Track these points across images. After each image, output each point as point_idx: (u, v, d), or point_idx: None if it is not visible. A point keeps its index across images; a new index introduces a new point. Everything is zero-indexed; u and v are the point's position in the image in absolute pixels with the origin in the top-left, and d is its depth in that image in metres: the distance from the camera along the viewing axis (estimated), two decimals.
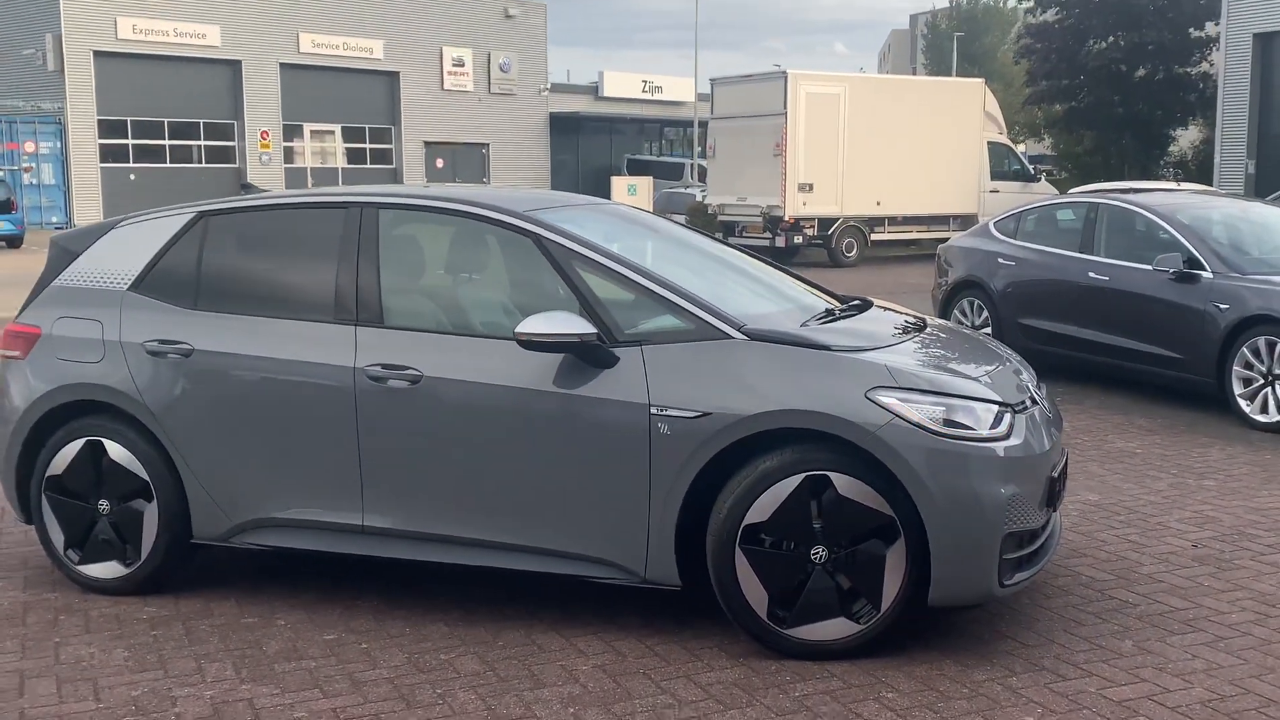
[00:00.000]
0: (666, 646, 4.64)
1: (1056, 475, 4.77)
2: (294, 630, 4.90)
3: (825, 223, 24.01)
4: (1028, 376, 5.17)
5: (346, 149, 43.45)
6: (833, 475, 4.37)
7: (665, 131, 52.83)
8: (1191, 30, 33.84)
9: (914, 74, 64.37)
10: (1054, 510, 4.84)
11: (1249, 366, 8.56)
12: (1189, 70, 34.34)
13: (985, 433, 4.42)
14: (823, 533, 4.41)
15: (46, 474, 5.34)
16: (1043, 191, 25.99)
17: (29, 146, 36.29)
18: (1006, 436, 4.46)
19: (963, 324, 10.43)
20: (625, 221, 5.71)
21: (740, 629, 4.55)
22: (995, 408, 4.52)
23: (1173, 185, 17.43)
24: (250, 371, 5.08)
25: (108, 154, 37.57)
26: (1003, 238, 11.09)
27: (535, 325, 4.56)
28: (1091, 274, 9.88)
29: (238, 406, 5.09)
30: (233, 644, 4.76)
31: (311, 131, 42.58)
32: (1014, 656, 4.52)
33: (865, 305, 5.49)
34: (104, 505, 5.29)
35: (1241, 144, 27.79)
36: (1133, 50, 33.55)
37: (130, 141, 38.32)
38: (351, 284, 5.03)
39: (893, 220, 25.03)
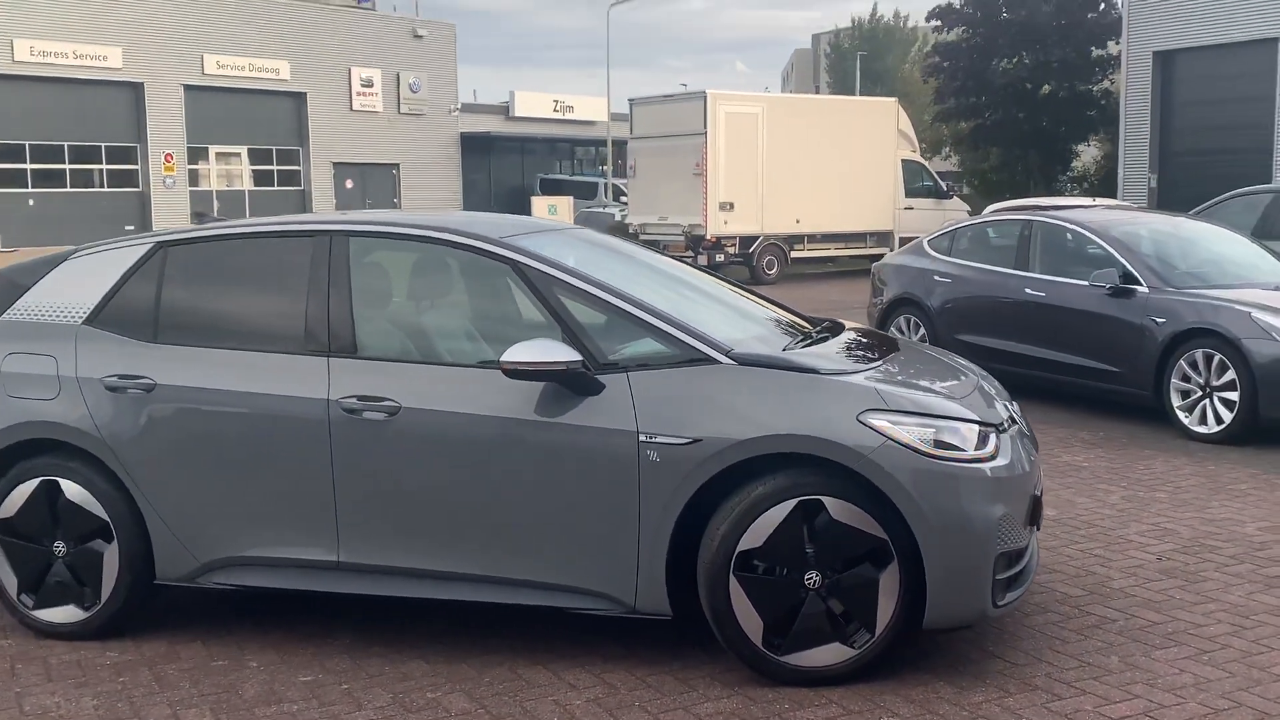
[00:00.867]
0: (657, 677, 4.56)
1: (1039, 494, 4.80)
2: (268, 672, 4.74)
3: (746, 241, 24.16)
4: (1004, 396, 5.21)
5: (253, 171, 42.67)
6: (825, 499, 4.34)
7: (576, 151, 52.81)
8: (1093, 49, 34.71)
9: (817, 93, 65.07)
10: (1036, 529, 4.87)
11: (1186, 379, 8.74)
12: (1091, 87, 35.22)
13: (973, 453, 4.43)
14: (816, 557, 4.37)
15: None
16: (955, 208, 26.51)
17: None
18: (994, 457, 4.47)
19: None
20: (594, 247, 5.64)
21: (735, 657, 4.50)
22: (979, 428, 4.54)
23: (1088, 201, 17.79)
24: (217, 405, 4.91)
25: (4, 179, 36.46)
26: (937, 255, 11.22)
27: (521, 354, 4.47)
28: (1028, 290, 10.03)
29: (205, 442, 4.92)
30: (206, 689, 4.59)
31: (217, 154, 41.74)
32: (1006, 676, 4.52)
33: (838, 328, 5.49)
34: (59, 547, 5.09)
35: (1144, 159, 28.54)
36: (1038, 68, 34.31)
37: (29, 166, 37.25)
38: (322, 314, 4.89)
39: (811, 238, 25.28)
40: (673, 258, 6.41)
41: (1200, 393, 8.66)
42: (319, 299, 4.92)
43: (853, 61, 65.07)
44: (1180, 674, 4.53)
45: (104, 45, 37.86)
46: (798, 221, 24.64)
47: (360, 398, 4.73)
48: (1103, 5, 34.37)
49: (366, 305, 4.98)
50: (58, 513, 5.07)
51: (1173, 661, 4.65)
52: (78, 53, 37.37)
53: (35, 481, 5.08)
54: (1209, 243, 10.21)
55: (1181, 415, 8.76)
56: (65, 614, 5.10)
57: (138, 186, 39.31)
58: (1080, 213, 10.75)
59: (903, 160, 26.32)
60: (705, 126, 23.33)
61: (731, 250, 24.02)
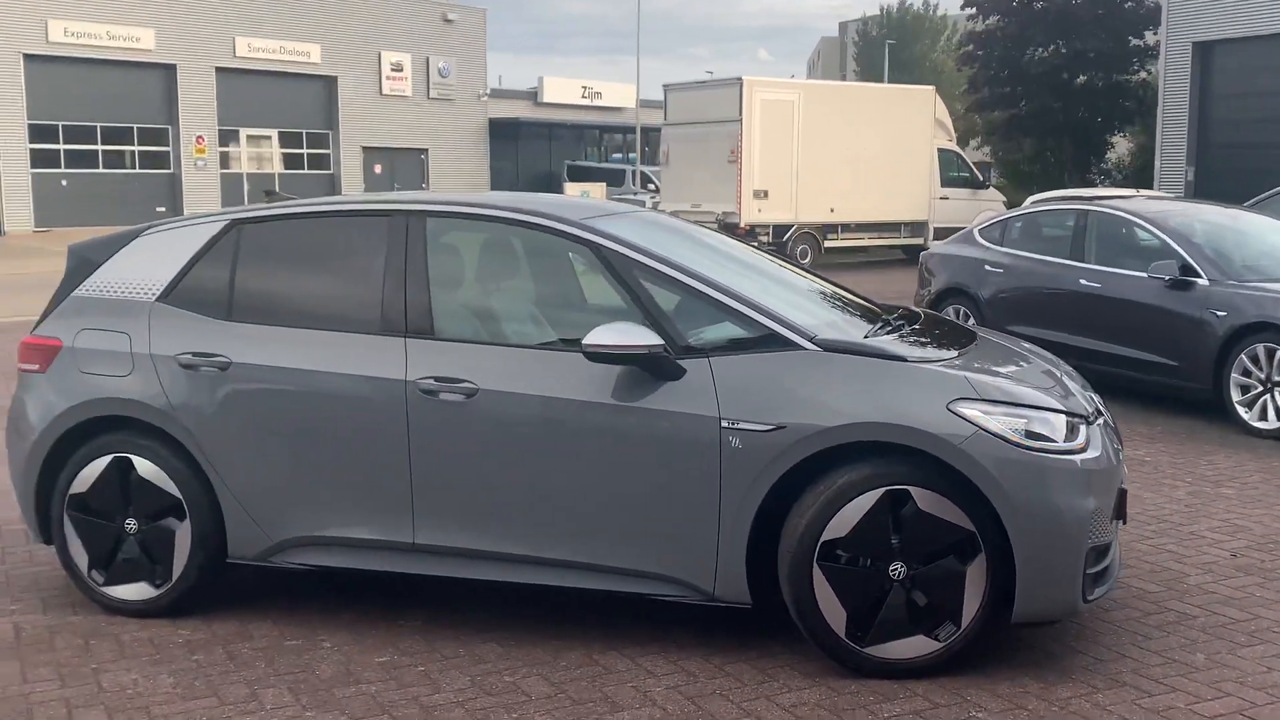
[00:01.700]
0: (735, 666, 4.51)
1: (1124, 488, 4.72)
2: (342, 653, 4.71)
3: (780, 229, 24.00)
4: (1088, 388, 5.13)
5: (283, 154, 42.75)
6: (912, 489, 4.27)
7: (604, 137, 52.68)
8: (1131, 39, 34.38)
9: (844, 80, 64.76)
10: (1122, 523, 4.79)
11: (1247, 374, 8.62)
12: (1128, 78, 34.89)
13: (1064, 445, 4.36)
14: (901, 548, 4.31)
15: (69, 492, 5.11)
16: (991, 199, 26.29)
17: None
18: (1085, 449, 4.39)
19: None
20: (667, 230, 5.57)
21: (816, 647, 4.44)
22: (1069, 419, 4.46)
23: (1129, 192, 17.63)
24: (293, 385, 4.88)
25: (38, 159, 36.60)
26: (988, 244, 11.11)
27: (603, 336, 4.41)
28: (1083, 281, 9.91)
29: (280, 421, 4.89)
30: (281, 668, 4.57)
31: (248, 136, 41.82)
32: (1092, 672, 4.45)
33: (914, 316, 5.41)
34: (131, 524, 5.07)
35: (1181, 151, 28.25)
36: (1074, 58, 34.02)
37: (62, 146, 37.35)
38: (399, 294, 4.85)
39: (845, 227, 25.10)
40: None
41: (1261, 388, 8.54)
42: (395, 279, 4.87)
43: (881, 50, 64.69)
44: (1269, 672, 4.45)
45: (137, 27, 37.96)
46: (832, 210, 24.45)
47: (438, 379, 4.68)
48: None
49: (443, 286, 4.93)
50: (129, 490, 5.05)
51: (1260, 659, 4.57)
52: (111, 34, 37.47)
53: (107, 458, 5.06)
54: (1266, 235, 10.06)
55: (1241, 410, 8.65)
56: (135, 591, 5.09)
57: (169, 168, 39.43)
58: (1136, 203, 10.63)
59: (939, 149, 26.11)
60: (740, 113, 23.13)
61: (765, 239, 23.84)
